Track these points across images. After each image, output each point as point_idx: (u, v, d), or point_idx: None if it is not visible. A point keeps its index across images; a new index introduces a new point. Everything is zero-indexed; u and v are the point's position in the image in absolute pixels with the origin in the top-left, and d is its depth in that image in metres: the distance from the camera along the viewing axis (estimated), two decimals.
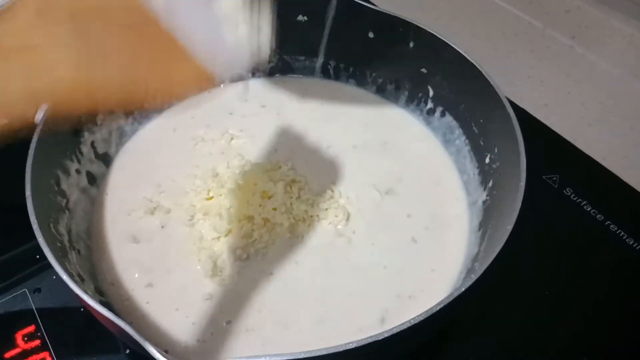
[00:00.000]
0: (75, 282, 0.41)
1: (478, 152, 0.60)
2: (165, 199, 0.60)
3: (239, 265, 0.55)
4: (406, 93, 0.69)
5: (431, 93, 0.66)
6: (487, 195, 0.57)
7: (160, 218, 0.59)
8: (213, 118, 0.69)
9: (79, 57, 0.30)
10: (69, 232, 0.53)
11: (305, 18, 0.68)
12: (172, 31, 0.32)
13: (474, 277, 0.40)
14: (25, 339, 0.54)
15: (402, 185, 0.62)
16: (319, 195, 0.60)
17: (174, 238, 0.57)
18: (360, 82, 0.72)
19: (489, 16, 0.91)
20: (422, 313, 0.37)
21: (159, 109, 0.69)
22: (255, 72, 0.73)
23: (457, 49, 0.59)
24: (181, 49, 0.33)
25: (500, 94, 0.54)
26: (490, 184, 0.57)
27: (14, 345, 0.54)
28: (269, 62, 0.71)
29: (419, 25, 0.62)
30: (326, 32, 0.67)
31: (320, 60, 0.72)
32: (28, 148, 0.49)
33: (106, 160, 0.63)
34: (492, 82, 0.55)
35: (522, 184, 0.46)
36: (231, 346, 0.50)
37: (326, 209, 0.58)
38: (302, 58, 0.73)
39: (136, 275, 0.54)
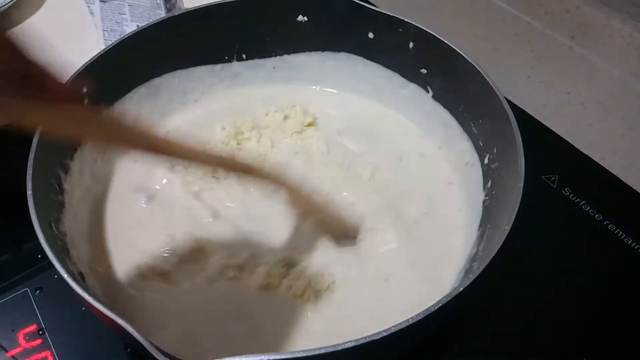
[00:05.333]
0: (77, 281, 0.42)
1: (477, 152, 0.61)
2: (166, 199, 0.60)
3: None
4: (406, 93, 0.69)
5: (431, 93, 0.67)
6: (486, 195, 0.57)
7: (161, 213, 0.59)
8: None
9: None
10: (71, 231, 0.53)
11: (306, 18, 0.68)
12: None
13: (472, 276, 0.40)
14: (27, 338, 0.55)
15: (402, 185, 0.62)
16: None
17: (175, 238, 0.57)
18: (360, 83, 0.72)
19: (489, 16, 0.91)
20: (420, 312, 0.38)
21: None
22: None
23: (456, 49, 0.59)
24: None
25: (500, 95, 0.54)
26: (489, 184, 0.57)
27: (15, 344, 0.54)
28: None
29: (418, 25, 0.62)
30: None
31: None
32: (29, 147, 0.49)
33: (108, 159, 0.63)
34: (491, 83, 0.55)
35: (521, 184, 0.47)
36: (232, 345, 0.50)
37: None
38: (301, 57, 0.73)
39: (138, 275, 0.54)
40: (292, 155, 0.65)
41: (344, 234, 0.56)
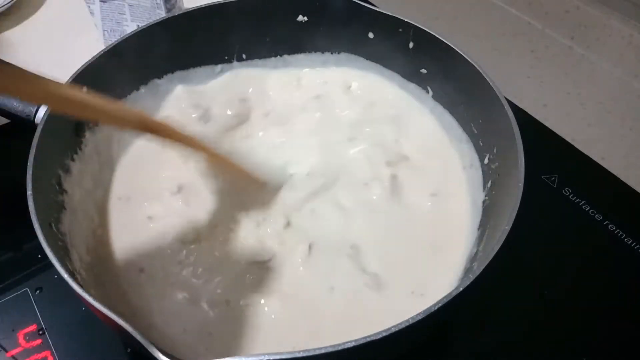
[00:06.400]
0: (77, 281, 0.42)
1: (477, 153, 0.60)
2: (168, 199, 0.60)
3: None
4: (406, 93, 0.69)
5: (431, 93, 0.67)
6: (486, 196, 0.57)
7: (164, 218, 0.59)
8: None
9: None
10: (71, 231, 0.53)
11: (306, 18, 0.68)
12: None
13: (472, 277, 0.40)
14: (27, 338, 0.55)
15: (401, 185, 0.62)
16: None
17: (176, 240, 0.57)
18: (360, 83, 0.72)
19: (489, 16, 0.91)
20: (420, 312, 0.38)
21: None
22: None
23: (456, 49, 0.59)
24: None
25: (499, 95, 0.54)
26: (489, 184, 0.57)
27: (15, 344, 0.54)
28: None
29: (418, 25, 0.62)
30: None
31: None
32: (29, 146, 0.49)
33: (109, 159, 0.63)
34: (491, 83, 0.55)
35: (521, 184, 0.46)
36: (231, 345, 0.50)
37: None
38: (301, 57, 0.73)
39: (138, 275, 0.54)
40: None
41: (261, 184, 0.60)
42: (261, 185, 0.60)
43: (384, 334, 0.36)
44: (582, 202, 0.67)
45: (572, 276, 0.61)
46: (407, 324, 0.37)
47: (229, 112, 0.68)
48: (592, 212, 0.66)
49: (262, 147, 0.66)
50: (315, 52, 0.72)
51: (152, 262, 0.55)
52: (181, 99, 0.68)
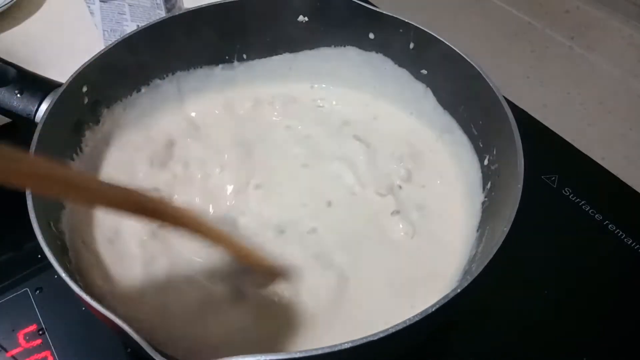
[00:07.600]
0: (75, 281, 0.42)
1: (477, 154, 0.60)
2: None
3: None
4: (406, 94, 0.69)
5: (431, 94, 0.66)
6: (485, 197, 0.57)
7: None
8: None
9: None
10: (70, 230, 0.54)
11: (306, 19, 0.68)
12: None
13: (470, 278, 0.40)
14: (27, 338, 0.55)
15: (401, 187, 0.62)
16: None
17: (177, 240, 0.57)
18: (360, 84, 0.72)
19: (489, 16, 0.91)
20: (418, 314, 0.38)
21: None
22: None
23: (456, 50, 0.59)
24: None
25: (499, 95, 0.54)
26: (488, 185, 0.57)
27: (15, 344, 0.54)
28: None
29: (419, 26, 0.62)
30: None
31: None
32: (29, 145, 0.49)
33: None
34: (490, 83, 0.55)
35: (520, 186, 0.46)
36: (230, 344, 0.50)
37: None
38: (301, 58, 0.73)
39: (138, 274, 0.54)
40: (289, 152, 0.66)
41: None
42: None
43: (382, 335, 0.36)
44: (582, 202, 0.67)
45: (572, 276, 0.61)
46: (405, 325, 0.37)
47: None
48: (592, 212, 0.66)
49: None
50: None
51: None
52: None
